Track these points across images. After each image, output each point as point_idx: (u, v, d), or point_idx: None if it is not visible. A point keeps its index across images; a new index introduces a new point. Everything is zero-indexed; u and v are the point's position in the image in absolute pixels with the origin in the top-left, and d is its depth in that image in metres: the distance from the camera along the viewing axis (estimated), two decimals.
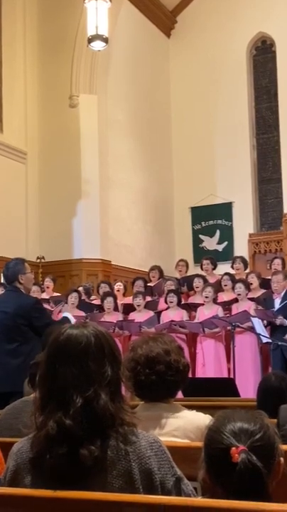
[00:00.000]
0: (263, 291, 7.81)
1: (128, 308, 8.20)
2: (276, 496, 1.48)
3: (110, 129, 11.36)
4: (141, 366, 2.31)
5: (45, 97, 11.01)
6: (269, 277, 7.90)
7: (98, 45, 9.73)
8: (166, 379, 2.32)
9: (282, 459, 1.52)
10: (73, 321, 5.40)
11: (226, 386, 5.13)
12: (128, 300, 8.40)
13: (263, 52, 13.63)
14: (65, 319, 5.17)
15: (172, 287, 8.27)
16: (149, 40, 13.17)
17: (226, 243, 13.10)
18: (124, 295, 8.93)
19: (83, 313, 7.76)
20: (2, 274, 5.04)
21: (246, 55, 13.52)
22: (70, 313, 5.47)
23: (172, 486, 1.66)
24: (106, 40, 9.67)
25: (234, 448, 1.44)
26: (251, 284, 7.87)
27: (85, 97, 10.90)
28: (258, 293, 7.84)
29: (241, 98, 13.29)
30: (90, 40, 9.64)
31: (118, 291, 8.86)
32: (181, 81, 13.67)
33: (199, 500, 1.49)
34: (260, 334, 6.99)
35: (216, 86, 13.22)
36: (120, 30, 11.47)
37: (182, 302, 8.18)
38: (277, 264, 8.29)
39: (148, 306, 8.15)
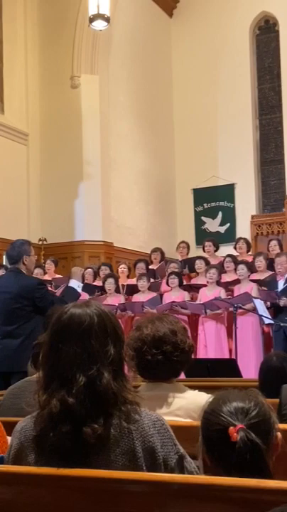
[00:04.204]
0: (271, 273, 7.75)
1: (132, 289, 8.21)
2: (276, 473, 1.49)
3: (112, 110, 11.28)
4: (148, 346, 2.30)
5: (47, 77, 10.91)
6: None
7: (99, 25, 9.61)
8: (172, 359, 2.31)
9: (279, 433, 1.53)
10: (80, 288, 5.45)
11: (228, 367, 5.15)
12: (132, 282, 8.41)
13: (266, 31, 13.48)
14: (70, 290, 5.19)
15: (175, 269, 8.28)
16: (151, 20, 13.02)
17: (228, 225, 13.07)
18: (128, 277, 8.93)
19: (87, 296, 7.76)
20: (6, 254, 5.03)
21: (249, 34, 13.37)
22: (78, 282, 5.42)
23: (175, 463, 1.67)
24: (107, 20, 9.55)
25: (231, 427, 1.44)
26: (259, 267, 7.85)
27: (87, 77, 10.81)
28: (265, 275, 7.80)
29: (244, 78, 13.17)
30: (91, 20, 9.52)
31: (122, 273, 8.86)
32: (183, 61, 13.54)
33: (203, 478, 1.49)
34: (262, 315, 7.00)
35: (218, 66, 13.09)
36: (121, 9, 11.34)
37: (184, 283, 8.19)
38: (274, 245, 8.28)
39: (150, 288, 8.16)
